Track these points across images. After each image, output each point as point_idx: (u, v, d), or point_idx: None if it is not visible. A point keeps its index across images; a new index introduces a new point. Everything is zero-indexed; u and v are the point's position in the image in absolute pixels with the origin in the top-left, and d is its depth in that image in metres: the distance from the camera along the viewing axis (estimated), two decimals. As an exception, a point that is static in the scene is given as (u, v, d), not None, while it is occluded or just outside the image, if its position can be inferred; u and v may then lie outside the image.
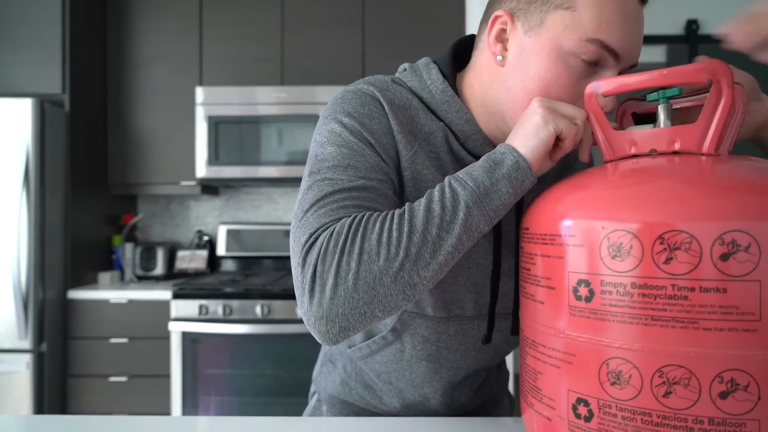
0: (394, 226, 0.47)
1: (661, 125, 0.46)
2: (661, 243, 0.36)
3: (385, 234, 0.47)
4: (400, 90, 0.61)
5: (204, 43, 2.37)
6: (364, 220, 0.48)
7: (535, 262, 0.46)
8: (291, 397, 2.02)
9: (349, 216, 0.49)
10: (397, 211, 0.49)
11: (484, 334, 0.64)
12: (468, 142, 0.60)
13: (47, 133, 2.03)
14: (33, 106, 1.97)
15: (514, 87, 0.55)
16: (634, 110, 0.57)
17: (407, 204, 0.50)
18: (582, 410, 0.41)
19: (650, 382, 0.37)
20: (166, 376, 2.07)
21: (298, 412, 1.97)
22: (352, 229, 0.47)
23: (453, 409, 0.71)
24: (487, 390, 0.76)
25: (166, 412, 2.06)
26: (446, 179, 0.50)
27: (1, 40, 2.13)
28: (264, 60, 2.36)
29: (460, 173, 0.50)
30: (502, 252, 0.61)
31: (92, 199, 2.32)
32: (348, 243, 0.47)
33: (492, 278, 0.62)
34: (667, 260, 0.36)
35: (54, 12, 2.13)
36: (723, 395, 0.35)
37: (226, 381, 2.02)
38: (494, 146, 0.61)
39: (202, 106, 2.27)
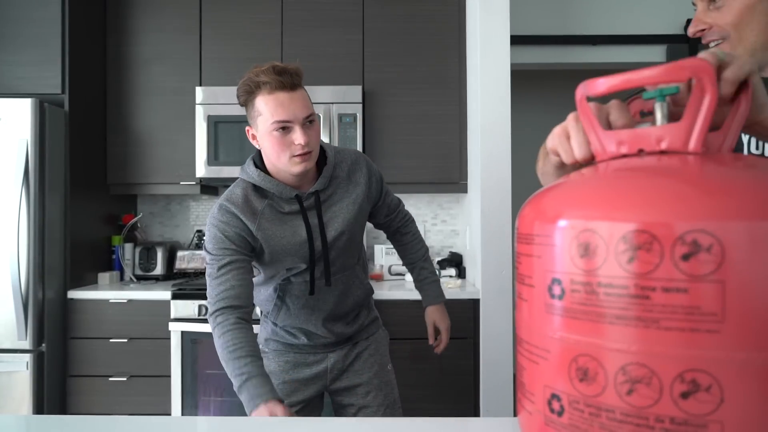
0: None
1: (658, 124, 0.45)
2: (624, 242, 0.37)
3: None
4: (240, 190, 1.11)
5: (204, 43, 2.38)
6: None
7: (521, 261, 0.47)
8: (291, 397, 2.01)
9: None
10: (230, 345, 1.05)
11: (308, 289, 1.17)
12: (278, 193, 1.10)
13: (47, 132, 2.03)
14: (33, 106, 1.98)
15: (268, 151, 1.07)
16: (642, 108, 0.56)
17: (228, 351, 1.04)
18: (555, 405, 0.42)
19: (614, 379, 0.37)
20: (166, 376, 2.07)
21: (297, 412, 1.97)
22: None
23: (336, 334, 1.23)
24: (360, 323, 1.28)
25: (166, 412, 2.06)
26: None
27: (1, 40, 2.13)
28: (264, 60, 2.33)
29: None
30: (314, 236, 1.13)
31: (92, 199, 2.32)
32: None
33: (310, 255, 1.13)
34: (630, 260, 0.36)
35: (54, 12, 2.13)
36: (684, 395, 0.35)
37: (226, 381, 2.01)
38: (289, 186, 1.11)
39: (201, 106, 2.27)
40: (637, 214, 0.36)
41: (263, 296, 1.23)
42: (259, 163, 1.13)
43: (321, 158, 1.16)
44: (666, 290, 0.35)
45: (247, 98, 1.06)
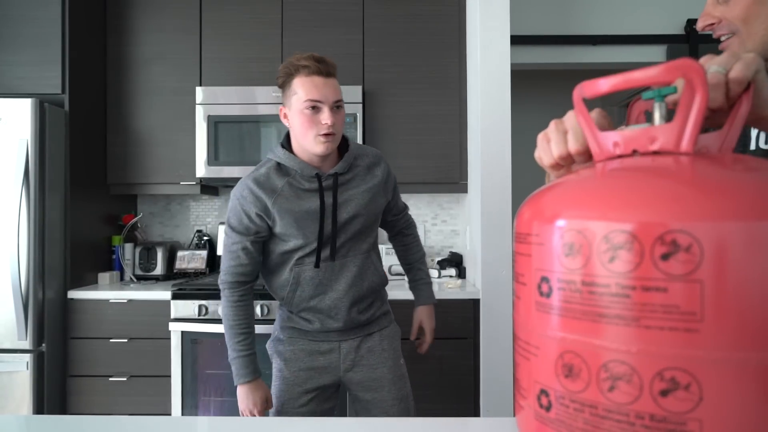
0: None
1: (656, 124, 0.45)
2: (606, 242, 0.37)
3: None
4: (264, 169, 1.23)
5: (204, 43, 2.38)
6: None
7: (517, 260, 0.48)
8: (291, 397, 2.01)
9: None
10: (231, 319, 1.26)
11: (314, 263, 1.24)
12: (300, 171, 1.20)
13: (47, 132, 2.03)
14: (33, 106, 1.98)
15: (297, 128, 1.19)
16: (646, 109, 0.56)
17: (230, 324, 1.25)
18: (544, 400, 0.42)
19: (597, 376, 0.38)
20: (166, 376, 2.07)
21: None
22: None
23: (349, 319, 1.26)
24: (372, 312, 1.32)
25: (166, 412, 2.06)
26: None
27: (1, 40, 2.13)
28: (264, 60, 2.36)
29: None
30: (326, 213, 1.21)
31: (92, 199, 2.32)
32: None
33: (319, 232, 1.21)
34: (611, 259, 0.37)
35: (54, 12, 2.13)
36: (664, 393, 0.35)
37: (226, 381, 2.02)
38: (311, 166, 1.21)
39: (201, 105, 2.27)
40: (619, 215, 0.37)
41: (279, 282, 1.28)
42: (287, 145, 1.25)
43: (343, 146, 1.28)
44: (646, 289, 0.35)
45: (285, 79, 1.18)
